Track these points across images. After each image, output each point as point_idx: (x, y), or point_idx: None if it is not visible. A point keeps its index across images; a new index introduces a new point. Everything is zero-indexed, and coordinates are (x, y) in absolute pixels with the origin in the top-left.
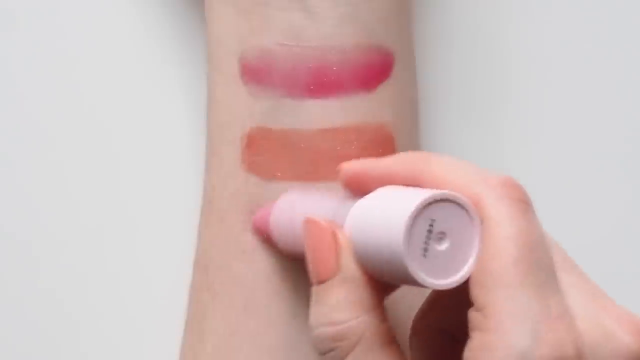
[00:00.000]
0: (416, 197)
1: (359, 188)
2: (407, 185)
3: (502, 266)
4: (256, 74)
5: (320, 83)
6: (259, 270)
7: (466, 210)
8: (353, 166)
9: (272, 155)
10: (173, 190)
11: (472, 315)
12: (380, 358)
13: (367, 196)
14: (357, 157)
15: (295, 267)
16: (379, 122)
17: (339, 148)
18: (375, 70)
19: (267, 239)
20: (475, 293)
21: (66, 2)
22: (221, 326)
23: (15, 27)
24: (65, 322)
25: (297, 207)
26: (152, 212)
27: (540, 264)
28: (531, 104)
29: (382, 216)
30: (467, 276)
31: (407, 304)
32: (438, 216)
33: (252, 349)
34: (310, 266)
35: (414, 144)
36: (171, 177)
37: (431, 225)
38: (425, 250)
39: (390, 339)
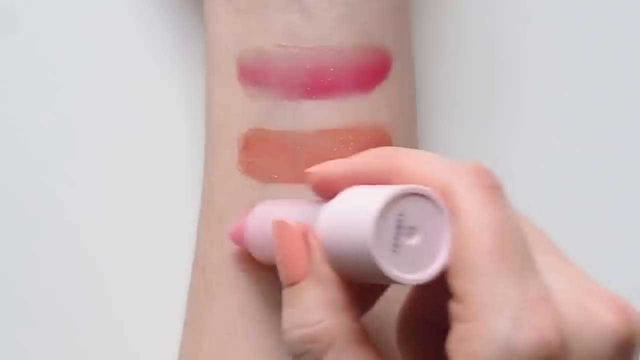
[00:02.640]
0: (382, 193)
1: (328, 191)
2: (377, 182)
3: (476, 256)
4: (254, 75)
5: (318, 84)
6: (256, 272)
7: (434, 203)
8: (320, 169)
9: (270, 157)
10: (172, 190)
11: (452, 306)
12: (355, 358)
13: (336, 197)
14: None
15: None
16: (377, 123)
17: (336, 149)
18: (372, 71)
19: (245, 249)
20: (454, 284)
21: (66, 2)
22: (218, 327)
23: (16, 27)
24: (64, 323)
25: (272, 215)
26: (152, 212)
27: (516, 249)
28: (531, 104)
29: (350, 216)
30: (439, 269)
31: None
32: (407, 211)
33: (249, 350)
34: (281, 268)
35: (412, 145)
36: (171, 177)
37: (400, 220)
38: (396, 245)
39: (364, 338)
